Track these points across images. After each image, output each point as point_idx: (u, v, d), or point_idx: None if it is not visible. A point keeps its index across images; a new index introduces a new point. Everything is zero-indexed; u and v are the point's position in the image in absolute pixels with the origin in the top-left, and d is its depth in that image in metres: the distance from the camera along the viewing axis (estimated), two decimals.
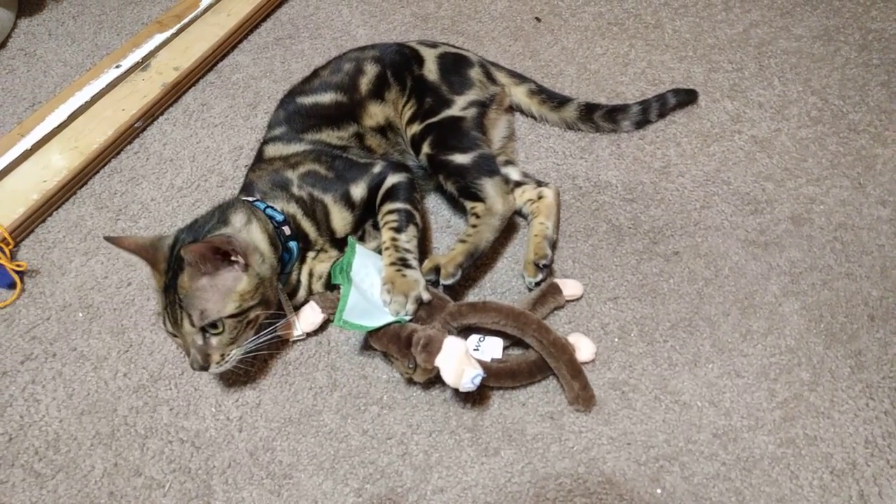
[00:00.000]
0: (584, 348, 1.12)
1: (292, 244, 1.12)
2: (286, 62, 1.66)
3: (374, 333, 1.06)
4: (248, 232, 1.06)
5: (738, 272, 1.25)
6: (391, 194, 1.16)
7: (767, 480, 1.03)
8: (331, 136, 1.25)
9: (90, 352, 1.18)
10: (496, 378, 1.08)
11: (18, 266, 1.25)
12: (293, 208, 1.14)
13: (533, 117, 1.47)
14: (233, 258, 1.00)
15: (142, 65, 1.61)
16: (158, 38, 1.65)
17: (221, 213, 1.08)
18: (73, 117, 1.50)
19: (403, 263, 1.09)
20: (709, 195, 1.36)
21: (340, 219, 1.16)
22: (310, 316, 1.16)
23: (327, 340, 1.19)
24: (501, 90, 1.39)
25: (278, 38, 1.72)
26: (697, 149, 1.44)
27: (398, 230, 1.12)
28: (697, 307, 1.21)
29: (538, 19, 1.73)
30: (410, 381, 1.11)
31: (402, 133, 1.31)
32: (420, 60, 1.35)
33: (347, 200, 1.16)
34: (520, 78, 1.46)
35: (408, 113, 1.29)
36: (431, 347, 1.02)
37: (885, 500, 1.01)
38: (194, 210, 1.37)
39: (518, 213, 1.31)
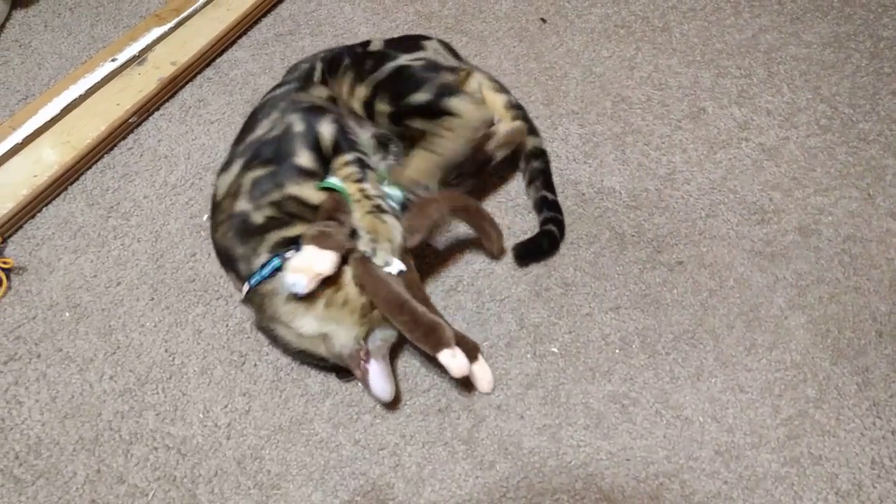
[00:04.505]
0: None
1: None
2: (286, 59, 1.62)
3: None
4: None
5: (743, 284, 1.22)
6: (337, 148, 1.10)
7: (770, 501, 1.00)
8: (263, 129, 1.15)
9: (76, 353, 1.15)
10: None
11: (5, 263, 1.22)
12: (273, 236, 1.04)
13: None
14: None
15: (138, 59, 1.57)
16: (156, 32, 1.62)
17: None
18: (66, 111, 1.46)
19: (379, 209, 1.05)
20: (714, 204, 1.33)
21: (315, 192, 1.07)
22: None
23: None
24: (464, 73, 1.27)
25: (279, 34, 1.69)
26: (704, 156, 1.40)
27: (361, 181, 1.08)
28: (701, 319, 1.18)
29: (543, 20, 1.70)
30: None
31: (352, 107, 1.22)
32: (365, 44, 1.29)
33: (304, 172, 1.08)
34: (502, 89, 1.38)
35: (346, 84, 1.20)
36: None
37: None
38: (188, 208, 1.34)
39: None
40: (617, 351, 1.15)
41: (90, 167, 1.41)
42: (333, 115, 1.14)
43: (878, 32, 1.62)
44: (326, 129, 1.11)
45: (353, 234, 1.05)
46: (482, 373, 1.08)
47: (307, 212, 1.06)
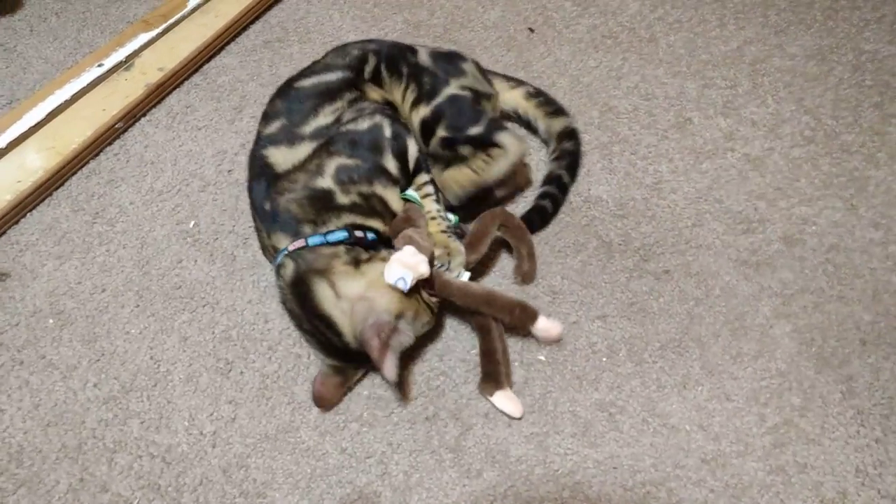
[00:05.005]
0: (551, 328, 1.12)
1: (370, 236, 1.11)
2: (274, 66, 1.62)
3: None
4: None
5: (729, 292, 1.23)
6: (418, 167, 1.21)
7: None
8: (326, 116, 1.20)
9: (59, 360, 1.14)
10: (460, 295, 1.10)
11: None
12: (348, 218, 1.10)
13: (526, 124, 1.44)
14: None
15: (125, 64, 1.57)
16: (143, 38, 1.61)
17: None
18: (51, 116, 1.45)
19: (450, 231, 1.17)
20: (700, 213, 1.34)
21: (396, 199, 1.16)
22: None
23: (307, 353, 1.15)
24: (495, 95, 1.37)
25: (267, 40, 1.69)
26: (690, 165, 1.42)
27: (438, 201, 1.21)
28: (687, 327, 1.18)
29: (531, 30, 1.71)
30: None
31: (406, 117, 1.29)
32: (414, 52, 1.34)
33: (391, 178, 1.16)
34: (516, 81, 1.44)
35: (411, 97, 1.28)
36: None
37: None
38: (174, 215, 1.33)
39: None
40: (604, 359, 1.15)
41: (75, 173, 1.40)
42: (414, 135, 1.23)
43: (860, 46, 1.64)
44: (413, 148, 1.20)
45: None
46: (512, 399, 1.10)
47: (387, 214, 1.15)
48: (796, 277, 1.24)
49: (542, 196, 1.32)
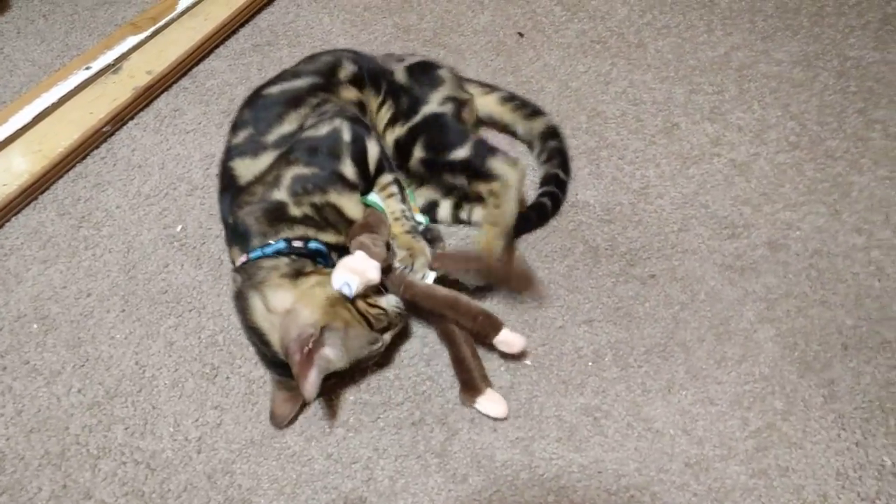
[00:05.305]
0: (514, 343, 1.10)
1: (313, 245, 1.08)
2: (263, 69, 1.62)
3: None
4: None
5: (713, 297, 1.24)
6: (380, 167, 1.19)
7: None
8: (291, 123, 1.18)
9: (43, 366, 1.13)
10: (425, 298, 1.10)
11: None
12: (300, 231, 1.08)
13: (504, 127, 1.44)
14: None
15: (113, 67, 1.56)
16: (132, 41, 1.61)
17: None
18: (38, 119, 1.45)
19: (415, 230, 1.16)
20: (686, 218, 1.35)
21: (353, 205, 1.13)
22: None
23: None
24: (471, 98, 1.37)
25: (256, 44, 1.69)
26: (676, 170, 1.42)
27: (402, 201, 1.18)
28: (672, 332, 1.19)
29: (521, 35, 1.72)
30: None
31: (381, 135, 1.28)
32: (391, 71, 1.33)
33: (348, 184, 1.13)
34: (489, 87, 1.44)
35: (387, 115, 1.27)
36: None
37: None
38: (161, 219, 1.33)
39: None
40: (589, 364, 1.16)
41: (62, 176, 1.40)
42: (376, 134, 1.20)
43: (845, 52, 1.65)
44: (373, 148, 1.17)
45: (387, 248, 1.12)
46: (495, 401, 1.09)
47: (341, 223, 1.12)
48: (780, 282, 1.25)
49: (542, 194, 1.33)
